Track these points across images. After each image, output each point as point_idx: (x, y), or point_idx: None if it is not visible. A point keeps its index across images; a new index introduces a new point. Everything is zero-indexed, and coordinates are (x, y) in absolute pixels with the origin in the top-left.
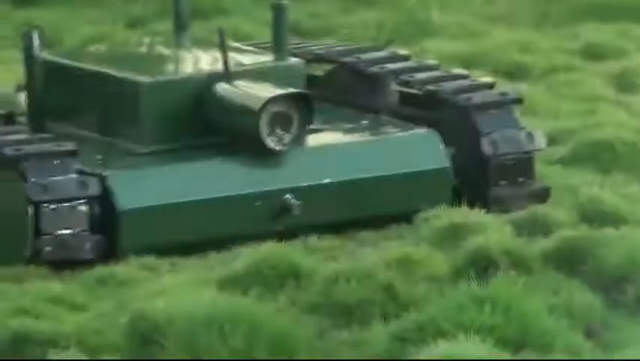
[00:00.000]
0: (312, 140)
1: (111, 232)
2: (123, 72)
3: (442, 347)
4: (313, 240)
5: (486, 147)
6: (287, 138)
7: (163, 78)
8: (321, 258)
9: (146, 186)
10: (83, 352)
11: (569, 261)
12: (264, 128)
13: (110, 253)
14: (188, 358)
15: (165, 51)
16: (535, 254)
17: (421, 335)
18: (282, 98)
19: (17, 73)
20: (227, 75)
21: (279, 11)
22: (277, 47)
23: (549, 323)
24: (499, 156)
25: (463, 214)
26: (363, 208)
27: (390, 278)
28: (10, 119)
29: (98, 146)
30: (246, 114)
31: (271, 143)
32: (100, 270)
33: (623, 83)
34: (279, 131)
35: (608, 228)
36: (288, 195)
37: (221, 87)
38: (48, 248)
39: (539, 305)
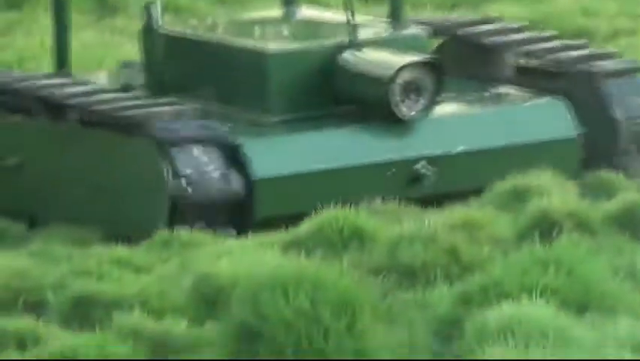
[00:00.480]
0: (442, 109)
1: (247, 200)
2: (249, 42)
3: (505, 309)
4: (377, 203)
5: (618, 113)
6: (418, 106)
7: (290, 48)
8: (384, 221)
9: (279, 154)
10: (146, 313)
11: (632, 223)
12: (395, 96)
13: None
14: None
15: (284, 23)
16: (600, 216)
17: (485, 297)
18: (414, 66)
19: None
20: (354, 44)
21: None
22: (396, 17)
23: (612, 285)
24: (631, 121)
25: (527, 177)
26: (493, 177)
27: (454, 241)
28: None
29: (221, 117)
30: (378, 82)
31: (402, 111)
32: (163, 233)
33: None
34: (410, 99)
35: None
36: (420, 164)
37: (349, 56)
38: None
39: (603, 267)
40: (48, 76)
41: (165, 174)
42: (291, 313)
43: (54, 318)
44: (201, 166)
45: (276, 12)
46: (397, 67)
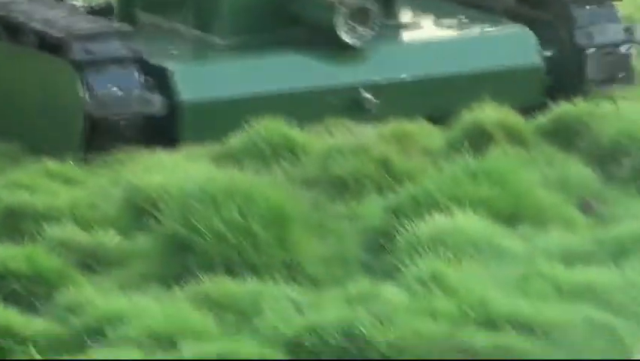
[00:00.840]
0: (396, 35)
1: (171, 124)
2: None
3: (436, 221)
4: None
5: (581, 39)
6: (365, 33)
7: None
8: (317, 134)
9: (208, 77)
10: (77, 225)
11: (564, 135)
12: (342, 22)
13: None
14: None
15: None
16: (531, 128)
17: (416, 208)
18: None
19: None
20: None
21: None
22: None
23: (544, 196)
24: (594, 48)
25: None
26: (443, 106)
27: (385, 152)
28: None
29: (178, 37)
30: (323, 7)
31: (349, 37)
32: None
33: None
34: (358, 25)
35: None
36: (362, 91)
37: None
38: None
39: (534, 179)
40: None
41: (81, 94)
42: (222, 225)
43: None
44: (119, 87)
45: None
46: None
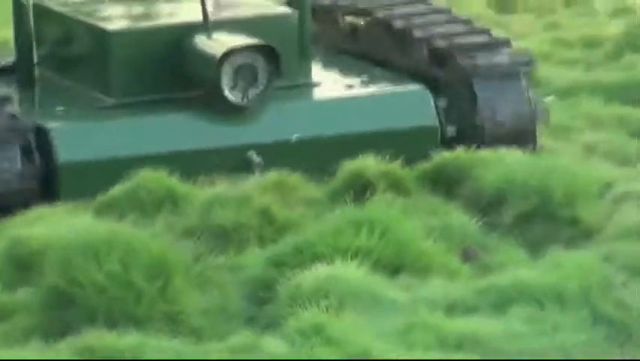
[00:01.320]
0: (289, 95)
1: (52, 184)
2: (94, 20)
3: (319, 271)
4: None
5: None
6: (253, 92)
7: (133, 27)
8: (198, 184)
9: (89, 139)
10: None
11: (446, 183)
12: (225, 81)
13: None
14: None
15: (142, 3)
16: (413, 176)
17: (298, 259)
18: (245, 50)
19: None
20: (205, 26)
21: None
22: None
23: (426, 246)
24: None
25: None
26: (332, 167)
27: (267, 202)
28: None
29: (71, 95)
30: (208, 65)
31: (233, 97)
32: None
33: None
34: (244, 84)
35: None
36: (249, 152)
37: (196, 38)
38: None
39: (416, 228)
40: None
41: None
42: (103, 277)
43: None
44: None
45: None
46: (225, 49)
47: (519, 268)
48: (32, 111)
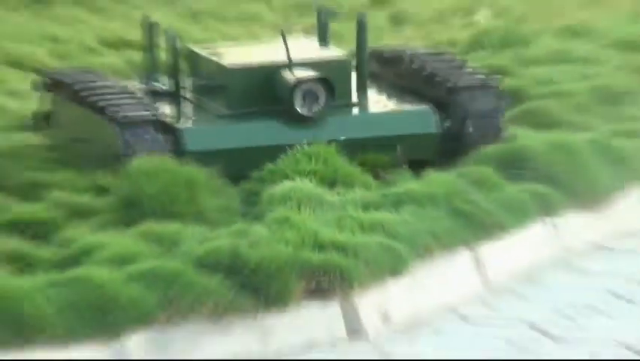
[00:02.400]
0: (341, 110)
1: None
2: (219, 59)
3: (285, 185)
4: None
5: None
6: (315, 108)
7: (243, 63)
8: None
9: (210, 136)
10: None
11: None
12: (298, 100)
13: None
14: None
15: (253, 47)
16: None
17: (274, 178)
18: (310, 80)
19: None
20: (289, 65)
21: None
22: (323, 43)
23: (351, 170)
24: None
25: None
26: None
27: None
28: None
29: (203, 108)
30: (287, 90)
31: (303, 111)
32: None
33: None
34: (309, 103)
35: None
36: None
37: (282, 72)
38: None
39: (344, 159)
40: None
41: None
42: (156, 190)
43: None
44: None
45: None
46: (296, 80)
47: (408, 183)
48: (177, 118)
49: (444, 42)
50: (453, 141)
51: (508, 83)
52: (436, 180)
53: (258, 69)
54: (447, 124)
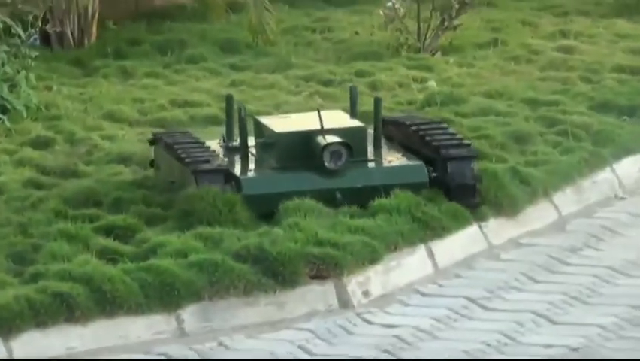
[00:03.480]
0: (358, 165)
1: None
2: (271, 125)
3: (297, 201)
4: None
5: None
6: (339, 163)
7: (288, 130)
8: None
9: (262, 182)
10: None
11: None
12: (326, 158)
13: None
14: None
15: (290, 119)
16: None
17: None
18: (335, 144)
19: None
20: (321, 131)
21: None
22: (353, 113)
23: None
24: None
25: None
26: (372, 198)
27: None
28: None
29: (259, 162)
30: (319, 150)
31: (330, 165)
32: None
33: None
34: (335, 159)
35: None
36: (337, 192)
37: (316, 137)
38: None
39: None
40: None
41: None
42: (206, 205)
43: None
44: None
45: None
46: (325, 143)
47: (381, 200)
48: (238, 169)
49: (406, 102)
50: (439, 184)
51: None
52: (401, 196)
53: (298, 134)
54: (434, 173)
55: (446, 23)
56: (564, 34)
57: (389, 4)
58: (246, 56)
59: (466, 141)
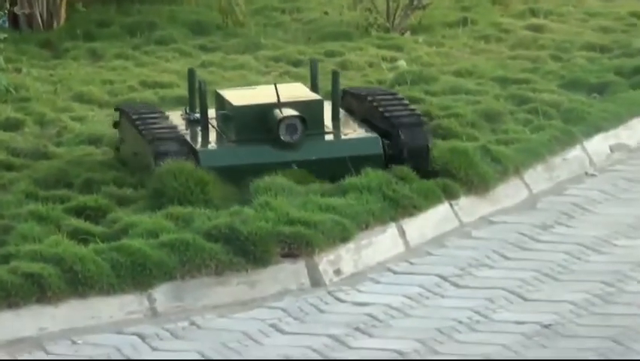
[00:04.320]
0: (313, 138)
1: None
2: (230, 99)
3: (267, 179)
4: None
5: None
6: (295, 136)
7: (245, 103)
8: None
9: (218, 155)
10: None
11: None
12: (282, 131)
13: None
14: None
15: (250, 92)
16: None
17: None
18: (291, 117)
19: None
20: (278, 104)
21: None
22: (314, 89)
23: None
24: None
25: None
26: (329, 170)
27: None
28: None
29: (219, 135)
30: (275, 123)
31: (286, 138)
32: None
33: None
34: (290, 132)
35: None
36: (293, 165)
37: (273, 110)
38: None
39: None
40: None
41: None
42: (178, 185)
43: None
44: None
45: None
46: (281, 116)
47: (352, 178)
48: (196, 141)
49: (376, 81)
50: (394, 153)
51: (419, 108)
52: (371, 175)
53: (255, 107)
54: (389, 148)
55: (415, 2)
56: (534, 12)
57: None
58: (216, 37)
59: (417, 111)
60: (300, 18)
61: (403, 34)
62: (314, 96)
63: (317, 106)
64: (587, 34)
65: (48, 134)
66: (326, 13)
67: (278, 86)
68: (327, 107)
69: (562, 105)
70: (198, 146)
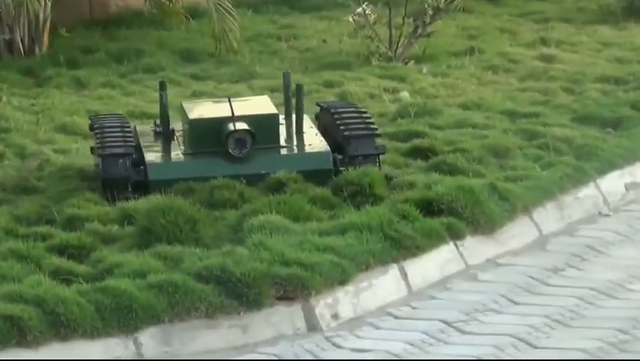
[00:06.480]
0: (261, 151)
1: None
2: (188, 113)
3: (260, 218)
4: None
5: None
6: (244, 150)
7: (200, 117)
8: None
9: (170, 168)
10: None
11: None
12: (231, 144)
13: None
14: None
15: (210, 106)
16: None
17: (254, 213)
18: (241, 131)
19: None
20: (232, 119)
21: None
22: (286, 102)
23: (313, 209)
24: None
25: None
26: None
27: None
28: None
29: (175, 147)
30: (225, 137)
31: (234, 151)
32: None
33: None
34: (239, 146)
35: None
36: (241, 178)
37: (226, 124)
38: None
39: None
40: None
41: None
42: (166, 222)
43: None
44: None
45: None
46: (230, 130)
47: (351, 215)
48: (151, 154)
49: (377, 114)
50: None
51: (423, 143)
52: (372, 213)
53: (209, 120)
54: (340, 157)
55: (419, 30)
56: (545, 42)
57: (359, 9)
58: (208, 65)
59: (372, 126)
60: (297, 46)
61: (406, 63)
62: (270, 110)
63: (272, 120)
64: (601, 66)
65: (29, 167)
66: (324, 41)
67: (243, 100)
68: (308, 122)
69: (574, 141)
70: (148, 158)
